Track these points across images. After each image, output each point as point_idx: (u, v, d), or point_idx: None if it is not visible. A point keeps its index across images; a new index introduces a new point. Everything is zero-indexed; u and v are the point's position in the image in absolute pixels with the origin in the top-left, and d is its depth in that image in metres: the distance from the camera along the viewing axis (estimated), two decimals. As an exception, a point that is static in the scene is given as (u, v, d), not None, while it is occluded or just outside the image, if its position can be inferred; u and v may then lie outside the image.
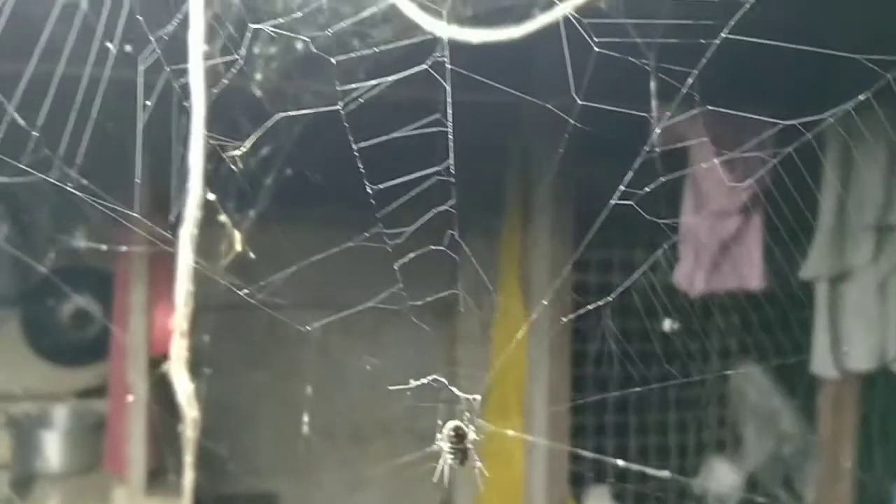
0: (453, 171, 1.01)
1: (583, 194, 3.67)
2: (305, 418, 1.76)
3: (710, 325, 3.86)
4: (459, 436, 1.16)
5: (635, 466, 3.47)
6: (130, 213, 1.11)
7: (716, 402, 4.05)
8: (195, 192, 1.36)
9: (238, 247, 1.27)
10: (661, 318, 3.12)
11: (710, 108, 1.17)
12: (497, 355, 3.86)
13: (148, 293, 3.33)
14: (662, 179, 1.42)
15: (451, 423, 1.17)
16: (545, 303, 3.10)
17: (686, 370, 3.60)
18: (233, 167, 1.06)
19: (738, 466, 3.98)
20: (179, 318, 1.38)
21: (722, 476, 3.93)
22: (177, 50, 1.27)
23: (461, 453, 1.16)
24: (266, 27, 1.07)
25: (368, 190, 0.97)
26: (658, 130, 1.17)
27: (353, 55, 1.14)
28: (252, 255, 1.27)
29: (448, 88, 0.96)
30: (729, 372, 3.97)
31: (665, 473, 3.62)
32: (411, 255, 1.06)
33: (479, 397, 1.13)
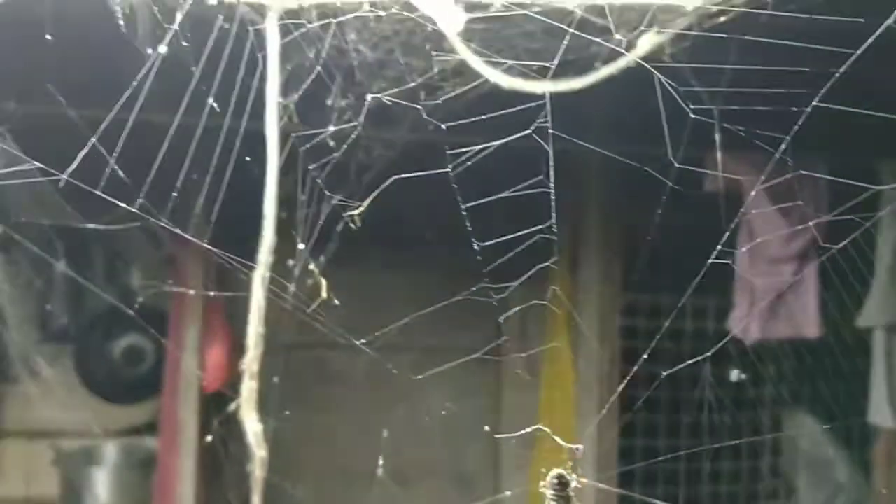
0: (555, 230, 1.04)
1: (631, 238, 3.67)
2: (381, 461, 1.76)
3: (763, 373, 3.80)
4: (562, 484, 1.17)
5: (686, 515, 3.41)
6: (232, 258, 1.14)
7: (769, 451, 3.96)
8: (268, 238, 1.40)
9: (324, 294, 1.31)
10: (715, 364, 3.08)
11: (803, 172, 1.18)
12: (545, 400, 3.83)
13: (201, 333, 3.38)
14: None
15: (555, 472, 1.18)
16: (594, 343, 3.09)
17: (738, 418, 3.54)
18: (351, 225, 1.09)
19: (790, 518, 3.88)
20: (250, 359, 1.42)
21: (774, 528, 3.84)
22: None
23: (563, 501, 1.16)
24: (381, 96, 1.11)
25: (475, 247, 0.99)
26: (753, 193, 1.18)
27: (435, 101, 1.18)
28: (336, 302, 1.30)
29: (550, 152, 0.98)
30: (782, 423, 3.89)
31: (716, 524, 3.55)
32: (516, 308, 1.08)
33: (581, 447, 1.14)
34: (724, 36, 1.22)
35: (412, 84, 1.29)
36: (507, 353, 4.22)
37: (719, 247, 1.24)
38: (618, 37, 1.40)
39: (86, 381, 4.27)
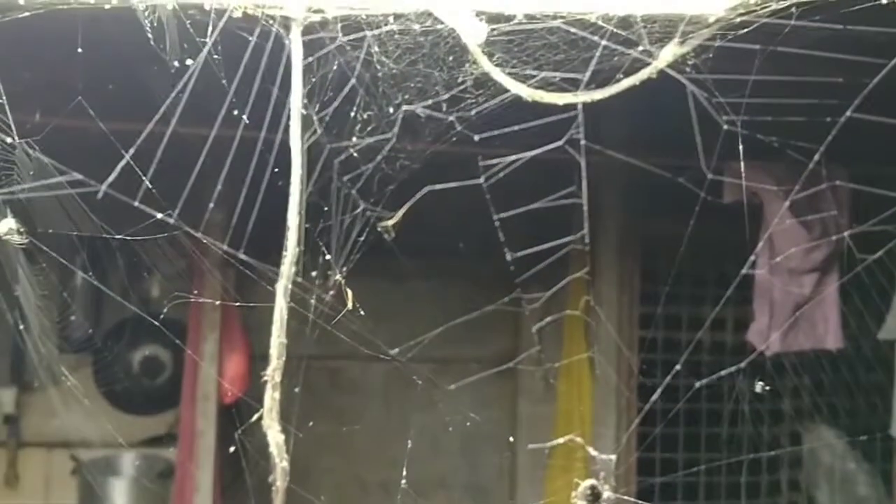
0: (588, 241, 1.04)
1: (649, 249, 3.66)
2: (405, 472, 1.77)
3: (783, 386, 3.77)
4: (595, 494, 1.16)
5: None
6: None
7: (789, 464, 3.93)
8: (292, 248, 1.41)
9: (350, 305, 1.31)
10: (735, 376, 3.06)
11: (839, 182, 1.17)
12: (562, 412, 3.82)
13: (219, 343, 3.40)
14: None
15: (588, 482, 1.18)
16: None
17: (758, 430, 3.52)
18: (385, 236, 1.10)
19: (811, 532, 3.84)
20: (273, 369, 1.42)
21: (795, 541, 3.80)
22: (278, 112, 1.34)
23: (595, 511, 1.16)
24: (417, 108, 1.12)
25: (508, 258, 1.00)
26: (777, 217, 1.18)
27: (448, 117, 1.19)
28: (362, 312, 1.30)
29: (583, 163, 0.99)
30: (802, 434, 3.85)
31: (736, 538, 3.52)
32: (548, 318, 1.08)
33: (614, 457, 1.14)
34: (750, 46, 1.22)
35: (441, 97, 1.30)
36: (525, 364, 4.21)
37: (751, 258, 1.23)
38: (640, 48, 1.40)
39: (105, 392, 4.29)
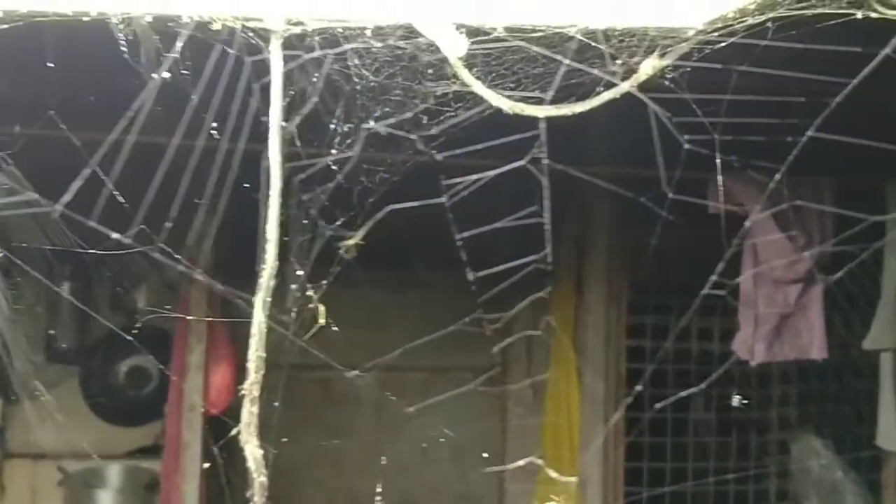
0: (550, 261, 1.04)
1: (636, 260, 3.65)
2: (379, 488, 1.76)
3: (770, 395, 3.77)
4: None
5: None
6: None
7: (777, 474, 3.93)
8: (270, 261, 1.40)
9: (322, 320, 1.30)
10: (723, 386, 3.07)
11: (799, 202, 1.17)
12: (550, 422, 3.81)
13: (206, 354, 3.38)
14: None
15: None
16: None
17: (746, 440, 3.51)
18: (345, 256, 1.10)
19: (800, 541, 3.84)
20: (250, 384, 1.41)
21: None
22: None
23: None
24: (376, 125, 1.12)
25: (470, 278, 0.99)
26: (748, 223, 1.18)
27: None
28: (335, 328, 1.30)
29: (545, 182, 0.99)
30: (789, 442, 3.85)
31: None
32: (510, 339, 1.08)
33: (574, 479, 1.13)
34: (720, 66, 1.22)
35: (415, 109, 1.30)
36: (512, 376, 4.20)
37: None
38: (619, 62, 1.40)
39: (91, 403, 4.27)
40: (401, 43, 1.34)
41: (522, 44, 1.12)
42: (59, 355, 4.19)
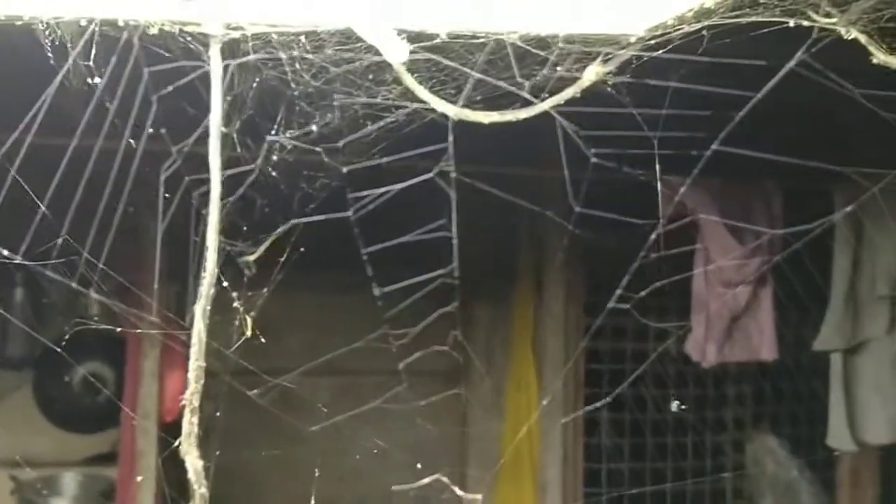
0: (457, 275, 1.03)
1: (595, 261, 3.67)
2: (312, 501, 1.74)
3: (725, 395, 3.81)
4: None
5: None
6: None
7: (733, 473, 3.97)
8: (211, 268, 1.38)
9: (248, 333, 1.29)
10: (679, 385, 3.10)
11: (745, 204, 1.18)
12: (510, 424, 3.82)
13: (160, 360, 3.33)
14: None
15: None
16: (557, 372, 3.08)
17: (702, 439, 3.55)
18: (246, 271, 1.08)
19: (756, 540, 3.89)
20: (191, 393, 1.39)
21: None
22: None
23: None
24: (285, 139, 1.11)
25: (376, 292, 0.99)
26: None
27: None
28: (262, 340, 1.28)
29: (453, 195, 0.98)
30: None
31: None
32: (417, 354, 1.07)
33: (479, 497, 1.13)
34: (659, 81, 1.23)
35: (355, 115, 1.29)
36: (472, 378, 4.20)
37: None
38: (560, 68, 1.41)
39: (45, 410, 4.19)
40: (341, 47, 1.33)
41: (434, 57, 1.11)
42: (12, 361, 4.12)
